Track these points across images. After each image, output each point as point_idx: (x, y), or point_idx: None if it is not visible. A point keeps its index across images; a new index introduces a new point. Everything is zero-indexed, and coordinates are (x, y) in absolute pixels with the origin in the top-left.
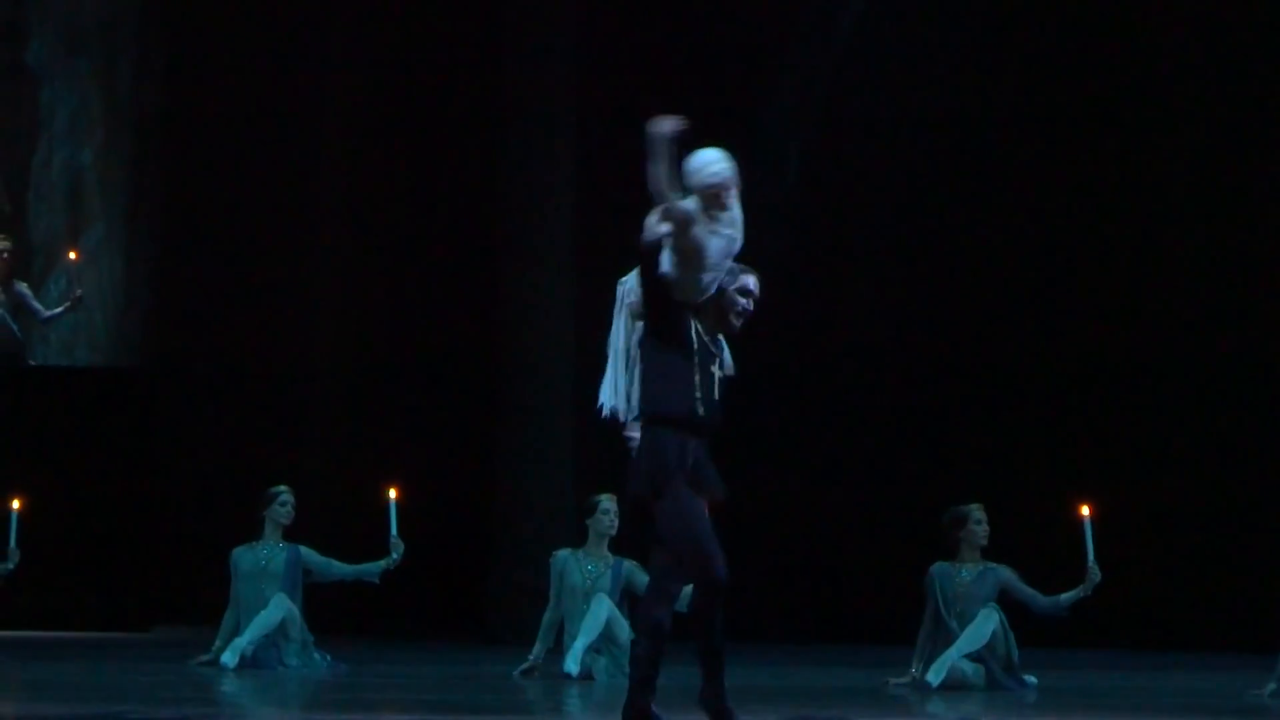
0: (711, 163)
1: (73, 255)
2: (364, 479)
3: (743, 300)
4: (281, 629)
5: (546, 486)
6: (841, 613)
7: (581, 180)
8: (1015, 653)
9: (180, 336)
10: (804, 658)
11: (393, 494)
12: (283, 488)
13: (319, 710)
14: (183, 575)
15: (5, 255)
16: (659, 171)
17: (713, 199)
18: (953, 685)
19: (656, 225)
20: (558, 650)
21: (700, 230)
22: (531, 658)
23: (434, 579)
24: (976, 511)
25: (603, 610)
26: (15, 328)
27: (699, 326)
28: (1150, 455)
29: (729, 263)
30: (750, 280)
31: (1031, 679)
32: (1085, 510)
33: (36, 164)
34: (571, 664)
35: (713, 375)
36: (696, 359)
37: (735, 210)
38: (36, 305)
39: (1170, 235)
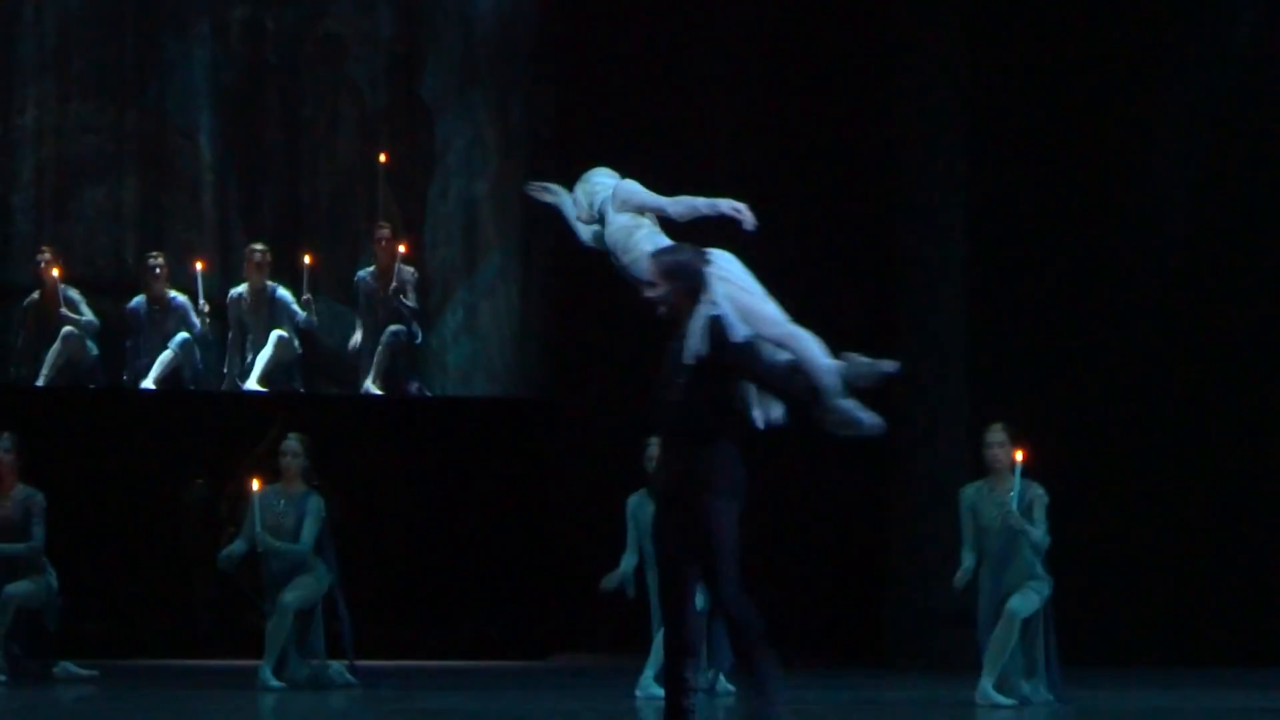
0: None
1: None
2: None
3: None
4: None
5: (943, 511)
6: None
7: (972, 204)
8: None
9: (576, 366)
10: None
11: None
12: None
13: None
14: (580, 603)
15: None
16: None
17: None
18: None
19: None
20: None
21: None
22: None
23: (829, 603)
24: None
25: None
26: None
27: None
28: None
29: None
30: (650, 268)
31: None
32: (1019, 455)
33: (433, 196)
34: None
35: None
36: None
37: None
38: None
39: None
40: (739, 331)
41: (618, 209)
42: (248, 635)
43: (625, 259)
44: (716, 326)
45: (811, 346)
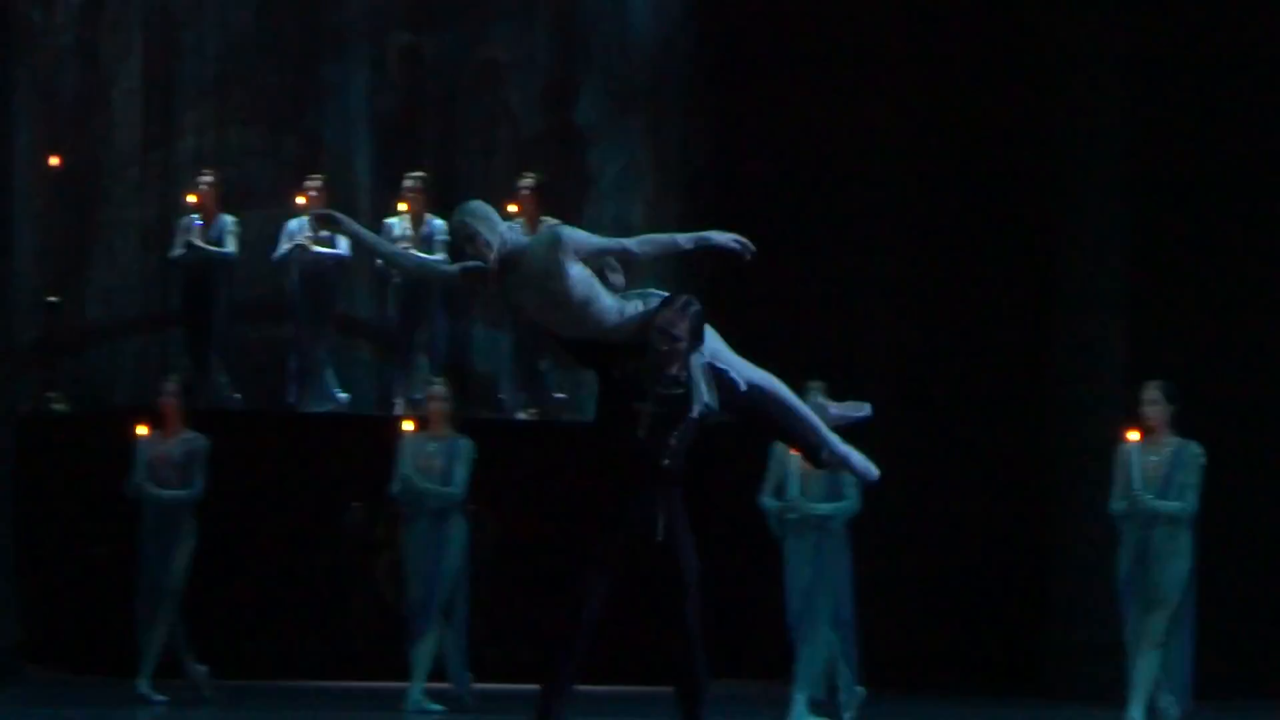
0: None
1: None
2: (922, 530)
3: (661, 342)
4: None
5: (1105, 541)
6: None
7: (1136, 221)
8: None
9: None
10: None
11: None
12: None
13: None
14: (727, 627)
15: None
16: (363, 241)
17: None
18: None
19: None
20: None
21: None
22: None
23: (990, 634)
24: None
25: None
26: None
27: (628, 364)
28: None
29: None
30: (669, 319)
31: None
32: (1132, 435)
33: (586, 221)
34: None
35: (640, 413)
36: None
37: (527, 262)
38: None
39: None
40: (737, 377)
41: (571, 257)
42: (403, 658)
43: (591, 309)
44: (724, 378)
45: (788, 391)
